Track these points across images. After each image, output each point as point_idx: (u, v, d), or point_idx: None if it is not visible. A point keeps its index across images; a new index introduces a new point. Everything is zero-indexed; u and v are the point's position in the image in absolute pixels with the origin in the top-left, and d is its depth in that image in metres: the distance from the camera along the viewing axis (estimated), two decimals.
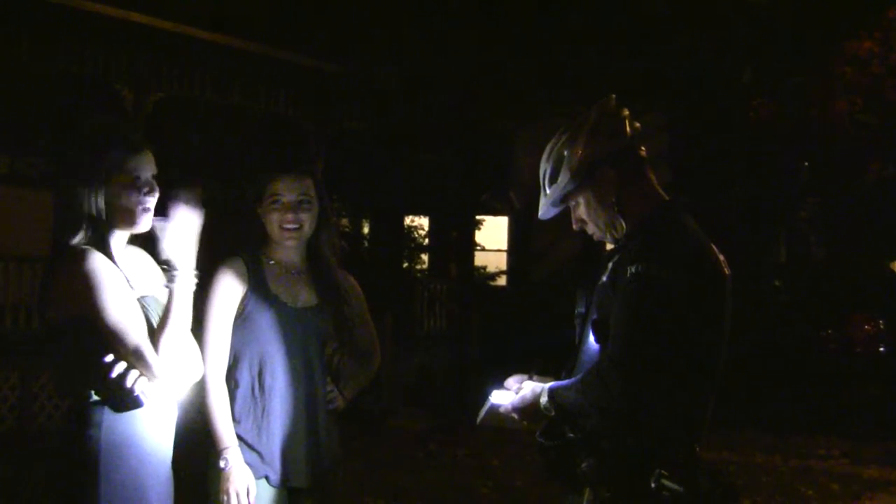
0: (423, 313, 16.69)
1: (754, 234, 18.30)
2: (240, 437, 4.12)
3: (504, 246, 21.88)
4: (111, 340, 3.44)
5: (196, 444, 4.11)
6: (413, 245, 20.21)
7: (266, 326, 4.20)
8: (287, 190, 4.25)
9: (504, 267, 21.50)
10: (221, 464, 4.07)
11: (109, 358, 3.45)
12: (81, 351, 3.48)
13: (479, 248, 20.70)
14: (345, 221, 18.87)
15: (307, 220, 4.28)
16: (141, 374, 3.46)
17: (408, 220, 20.31)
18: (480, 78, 17.17)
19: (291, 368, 4.23)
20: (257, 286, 4.23)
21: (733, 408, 12.08)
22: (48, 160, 12.21)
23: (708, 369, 3.50)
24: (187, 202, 3.58)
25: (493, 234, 21.32)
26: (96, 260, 3.47)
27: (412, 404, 13.10)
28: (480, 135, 18.43)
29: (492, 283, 20.67)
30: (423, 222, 20.43)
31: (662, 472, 3.31)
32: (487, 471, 9.74)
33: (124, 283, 3.52)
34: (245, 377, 4.17)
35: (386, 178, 18.11)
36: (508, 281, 21.49)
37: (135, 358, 3.45)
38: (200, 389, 3.97)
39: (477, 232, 20.49)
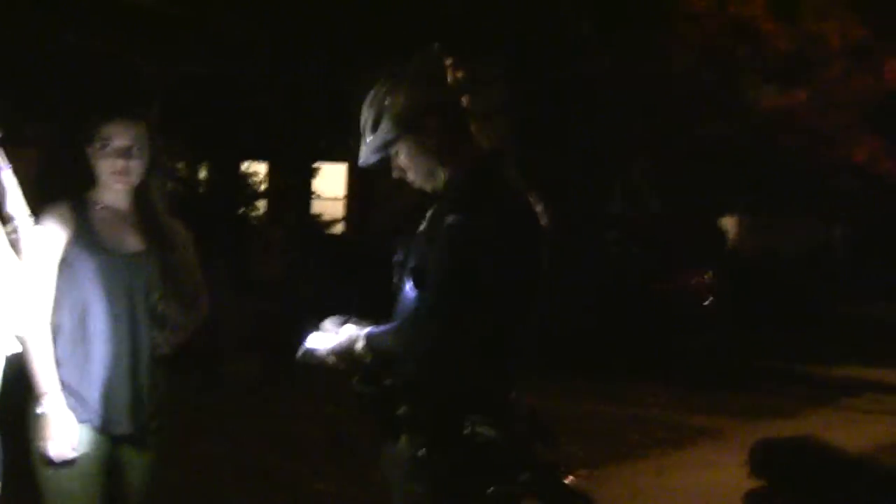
0: (260, 260, 16.65)
1: (591, 187, 18.62)
2: (62, 382, 4.09)
3: (342, 194, 21.91)
4: None
5: (22, 389, 4.09)
6: (249, 191, 20.09)
7: (90, 272, 4.17)
8: (118, 135, 4.19)
9: (341, 215, 21.54)
10: (40, 409, 4.04)
11: None
12: None
13: (315, 195, 20.68)
14: (181, 166, 18.66)
15: (137, 166, 4.24)
16: None
17: (244, 166, 20.16)
18: (322, 25, 17.10)
19: (115, 314, 4.19)
20: (82, 231, 4.20)
21: (566, 357, 12.39)
22: None
23: (522, 317, 3.59)
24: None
25: (330, 181, 21.29)
26: None
27: (247, 351, 13.06)
28: (319, 81, 18.38)
29: (328, 232, 20.72)
30: (260, 168, 20.31)
31: (475, 418, 3.39)
32: (321, 418, 9.78)
33: None
34: (67, 322, 4.13)
35: (224, 123, 17.96)
36: (346, 229, 21.54)
37: None
38: (22, 333, 3.90)
39: (314, 179, 20.47)
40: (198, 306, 4.53)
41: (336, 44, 17.56)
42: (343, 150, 19.99)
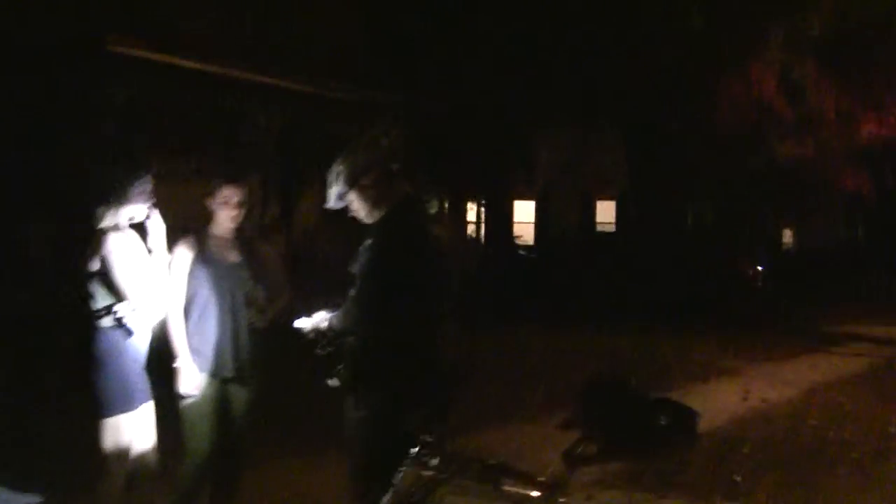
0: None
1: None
2: (190, 346, 5.82)
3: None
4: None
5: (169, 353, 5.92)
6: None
7: (206, 275, 5.89)
8: (234, 195, 5.94)
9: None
10: (176, 363, 5.85)
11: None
12: None
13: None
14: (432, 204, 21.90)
15: (243, 212, 5.99)
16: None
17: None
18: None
19: (222, 301, 5.90)
20: (202, 250, 5.94)
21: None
22: None
23: (420, 300, 4.73)
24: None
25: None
26: None
27: None
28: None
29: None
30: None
31: (339, 364, 4.82)
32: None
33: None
34: (193, 308, 5.88)
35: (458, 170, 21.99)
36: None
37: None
38: (165, 320, 5.89)
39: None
40: (282, 297, 6.21)
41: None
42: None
